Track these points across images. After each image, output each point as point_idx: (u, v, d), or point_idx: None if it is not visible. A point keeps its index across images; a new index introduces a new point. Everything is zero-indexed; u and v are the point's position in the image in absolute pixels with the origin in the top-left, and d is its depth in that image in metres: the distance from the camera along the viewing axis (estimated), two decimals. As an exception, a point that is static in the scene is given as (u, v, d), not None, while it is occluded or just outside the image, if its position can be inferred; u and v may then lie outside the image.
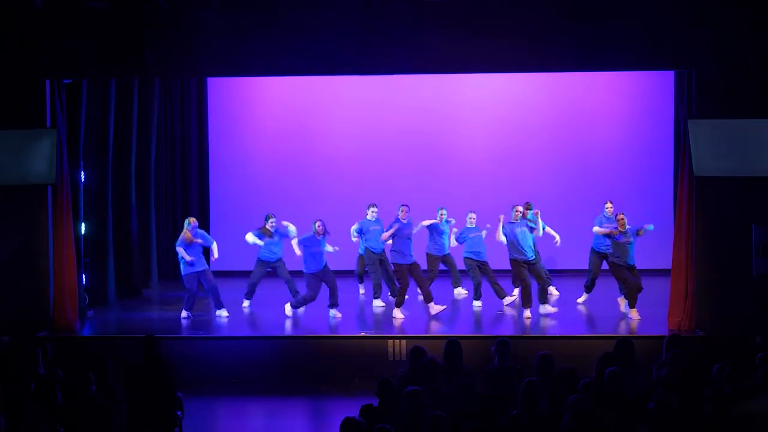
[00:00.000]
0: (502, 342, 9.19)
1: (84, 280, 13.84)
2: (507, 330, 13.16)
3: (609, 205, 14.57)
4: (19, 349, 9.43)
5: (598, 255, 14.56)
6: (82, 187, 13.86)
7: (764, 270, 12.28)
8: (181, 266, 13.98)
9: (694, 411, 7.43)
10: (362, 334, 12.75)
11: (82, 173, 13.92)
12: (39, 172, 12.69)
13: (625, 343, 9.17)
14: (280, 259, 14.44)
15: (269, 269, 14.55)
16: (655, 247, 17.17)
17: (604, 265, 14.41)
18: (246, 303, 14.51)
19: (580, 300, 14.70)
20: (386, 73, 15.25)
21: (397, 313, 13.55)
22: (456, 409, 7.44)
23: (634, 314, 13.34)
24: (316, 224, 13.66)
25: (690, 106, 12.59)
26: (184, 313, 13.84)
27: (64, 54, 12.70)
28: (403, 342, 12.26)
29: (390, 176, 17.70)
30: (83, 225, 13.92)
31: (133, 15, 12.39)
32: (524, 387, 7.52)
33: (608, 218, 14.34)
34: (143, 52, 12.37)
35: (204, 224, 17.90)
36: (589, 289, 14.68)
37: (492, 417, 7.43)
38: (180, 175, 17.91)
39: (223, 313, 13.85)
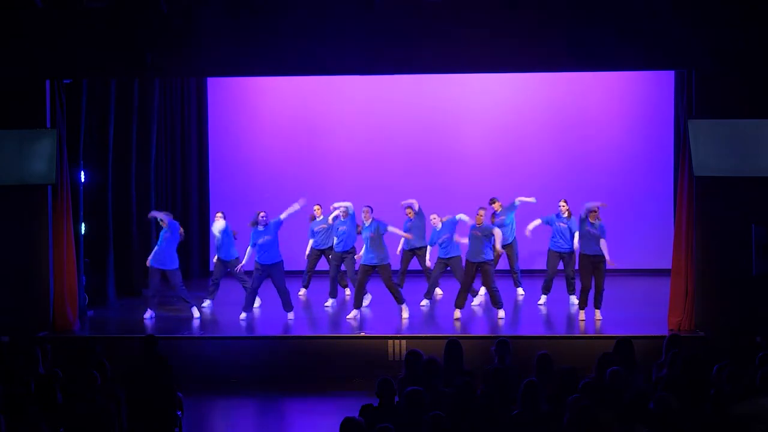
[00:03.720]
0: (502, 342, 9.19)
1: (84, 280, 13.84)
2: (507, 330, 13.15)
3: (563, 203, 14.61)
4: (19, 349, 9.43)
5: (556, 255, 14.59)
6: (82, 187, 13.87)
7: (764, 270, 12.26)
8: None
9: (694, 411, 7.43)
10: (362, 333, 12.75)
11: (82, 173, 13.93)
12: (39, 172, 12.69)
13: (625, 343, 9.16)
14: (236, 259, 14.79)
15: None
16: (655, 247, 17.22)
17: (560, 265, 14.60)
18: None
19: (540, 302, 14.74)
20: (387, 74, 15.28)
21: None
22: (456, 409, 7.43)
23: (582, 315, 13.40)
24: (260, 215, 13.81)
25: (690, 106, 12.59)
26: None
27: (64, 54, 12.71)
28: (403, 342, 12.26)
29: (390, 175, 17.71)
30: (83, 225, 13.92)
31: (133, 15, 12.39)
32: (524, 387, 7.52)
33: (560, 217, 14.49)
34: (143, 52, 12.37)
35: (204, 224, 17.95)
36: (547, 290, 14.75)
37: (492, 417, 7.42)
38: (180, 175, 17.92)
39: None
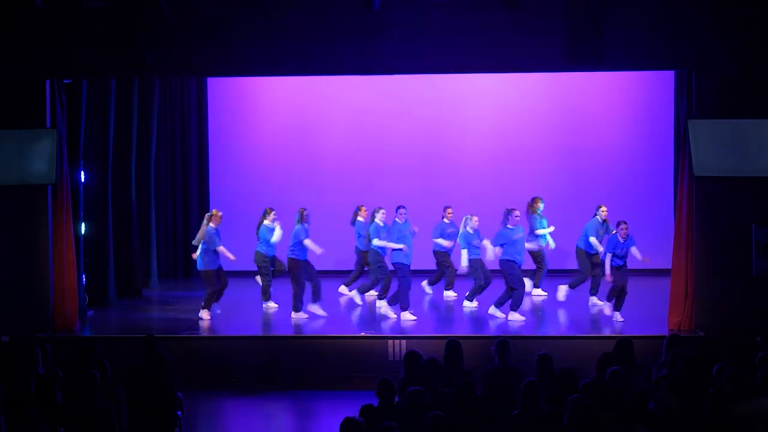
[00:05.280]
0: (502, 342, 9.19)
1: (84, 280, 13.84)
2: (507, 330, 13.15)
3: (603, 209, 14.66)
4: (19, 349, 9.43)
5: (589, 256, 14.63)
6: (82, 187, 13.86)
7: (764, 270, 12.27)
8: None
9: (694, 411, 7.43)
10: (362, 334, 12.75)
11: (82, 173, 13.92)
12: (39, 172, 12.69)
13: (625, 343, 9.17)
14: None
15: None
16: (655, 247, 17.16)
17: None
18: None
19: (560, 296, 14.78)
20: (386, 74, 15.24)
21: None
22: (456, 409, 7.44)
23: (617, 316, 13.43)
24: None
25: (690, 106, 12.60)
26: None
27: (64, 54, 12.71)
28: (403, 342, 12.25)
29: (390, 176, 17.70)
30: (83, 225, 13.92)
31: (133, 15, 12.38)
32: (524, 387, 7.52)
33: (601, 223, 14.44)
34: (143, 52, 12.37)
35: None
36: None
37: (492, 417, 7.43)
38: (180, 175, 17.92)
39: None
